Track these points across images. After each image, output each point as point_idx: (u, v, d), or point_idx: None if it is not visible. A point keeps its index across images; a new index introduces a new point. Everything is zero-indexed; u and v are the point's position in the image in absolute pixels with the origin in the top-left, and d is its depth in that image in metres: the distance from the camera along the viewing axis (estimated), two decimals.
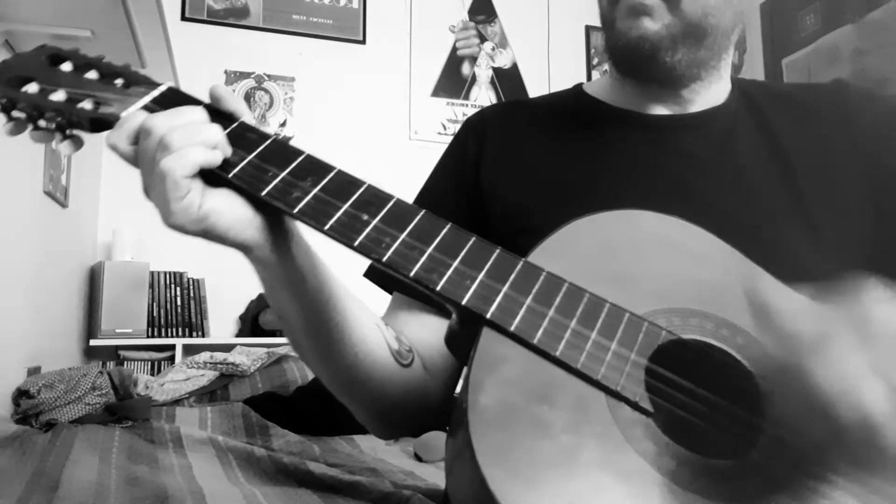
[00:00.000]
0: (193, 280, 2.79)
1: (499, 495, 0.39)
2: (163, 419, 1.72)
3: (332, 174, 0.52)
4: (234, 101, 0.54)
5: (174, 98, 0.54)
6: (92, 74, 0.57)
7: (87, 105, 0.54)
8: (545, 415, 0.43)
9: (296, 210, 0.49)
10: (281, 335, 2.32)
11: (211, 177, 0.50)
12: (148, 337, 2.63)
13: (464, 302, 0.48)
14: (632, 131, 0.70)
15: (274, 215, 0.52)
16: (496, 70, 3.51)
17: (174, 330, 2.71)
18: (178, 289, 2.75)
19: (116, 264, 2.60)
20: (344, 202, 0.50)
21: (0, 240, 1.75)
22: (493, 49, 3.52)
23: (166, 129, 0.48)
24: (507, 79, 3.49)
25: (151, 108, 0.53)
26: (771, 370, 0.45)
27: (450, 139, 0.80)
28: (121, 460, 1.29)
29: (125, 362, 2.61)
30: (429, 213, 0.51)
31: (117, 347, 2.64)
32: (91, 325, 2.65)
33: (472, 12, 3.52)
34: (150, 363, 2.65)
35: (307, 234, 0.55)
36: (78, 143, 0.57)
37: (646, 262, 0.53)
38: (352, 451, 1.60)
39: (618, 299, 0.50)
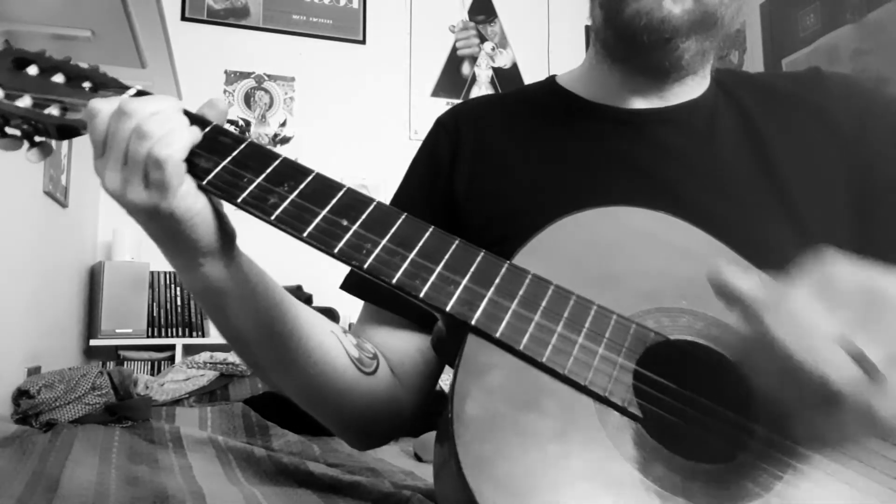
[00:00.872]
0: None
1: None
2: (163, 419, 1.72)
3: (309, 178, 0.50)
4: (221, 116, 0.53)
5: None
6: (58, 78, 0.55)
7: (53, 111, 0.52)
8: (532, 423, 0.43)
9: (273, 217, 0.48)
10: None
11: None
12: (148, 337, 2.63)
13: (448, 309, 0.47)
14: (610, 126, 0.68)
15: (228, 226, 0.52)
16: (496, 70, 3.51)
17: (174, 330, 2.71)
18: (178, 289, 2.75)
19: (116, 264, 2.60)
20: (322, 207, 0.49)
21: (0, 240, 1.75)
22: (493, 49, 3.52)
23: (149, 111, 0.47)
24: (507, 79, 3.49)
25: None
26: (742, 349, 0.44)
27: None
28: (121, 460, 1.29)
29: (125, 362, 2.61)
30: (410, 216, 0.50)
31: (117, 347, 2.65)
32: (91, 325, 2.64)
33: (472, 12, 3.52)
34: (150, 363, 2.65)
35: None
36: (47, 151, 0.55)
37: (633, 260, 0.52)
38: (352, 451, 1.60)
39: (605, 300, 0.49)
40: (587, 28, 3.60)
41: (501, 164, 0.70)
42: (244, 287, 0.54)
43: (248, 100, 3.13)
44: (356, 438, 0.70)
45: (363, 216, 0.49)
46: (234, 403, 1.88)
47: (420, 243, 0.49)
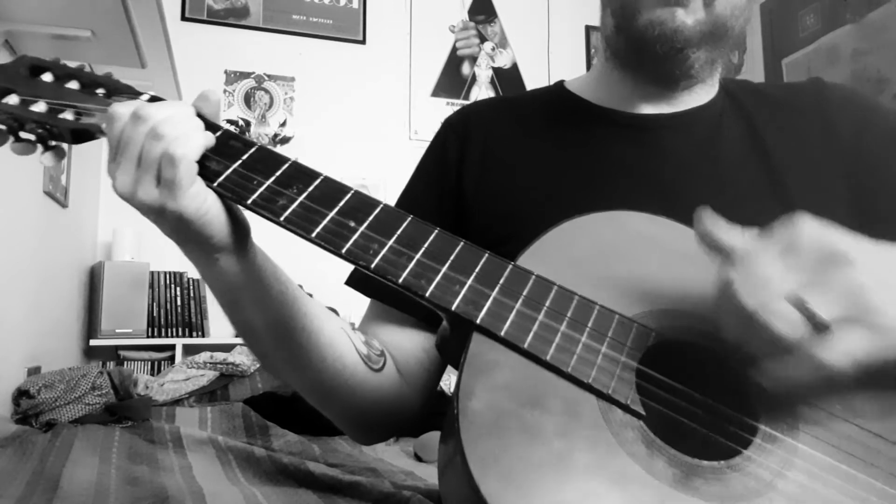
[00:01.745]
0: (193, 280, 2.79)
1: (492, 503, 0.39)
2: (163, 419, 1.72)
3: (318, 181, 0.51)
4: (216, 107, 0.54)
5: None
6: (73, 85, 0.56)
7: (68, 116, 0.54)
8: (537, 420, 0.43)
9: (282, 218, 0.49)
10: None
11: None
12: (148, 337, 2.63)
13: (453, 308, 0.47)
14: (616, 131, 0.69)
15: (243, 222, 0.53)
16: (496, 70, 3.51)
17: (174, 330, 2.71)
18: (178, 289, 2.75)
19: (116, 264, 2.60)
20: (330, 209, 0.50)
21: (0, 240, 1.75)
22: (493, 49, 3.52)
23: (163, 116, 0.49)
24: (507, 79, 3.49)
25: None
26: (713, 301, 0.46)
27: None
28: (121, 460, 1.29)
29: (125, 362, 2.61)
30: (416, 218, 0.51)
31: (117, 347, 2.65)
32: (91, 325, 2.65)
33: (472, 12, 3.52)
34: (150, 363, 2.65)
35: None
36: (60, 155, 0.57)
37: (635, 264, 0.53)
38: (352, 452, 1.60)
39: (607, 301, 0.49)
40: (587, 28, 3.60)
41: (509, 165, 0.71)
42: (259, 282, 0.55)
43: (248, 100, 3.13)
44: (360, 432, 0.71)
45: (370, 218, 0.50)
46: (234, 403, 1.88)
47: (426, 244, 0.50)
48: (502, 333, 0.47)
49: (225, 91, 3.11)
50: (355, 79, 3.26)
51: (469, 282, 0.49)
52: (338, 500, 1.13)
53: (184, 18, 3.08)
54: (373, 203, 0.51)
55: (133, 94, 0.56)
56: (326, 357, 0.60)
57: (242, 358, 2.20)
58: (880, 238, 0.62)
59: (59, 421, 1.58)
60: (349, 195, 0.51)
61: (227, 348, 2.35)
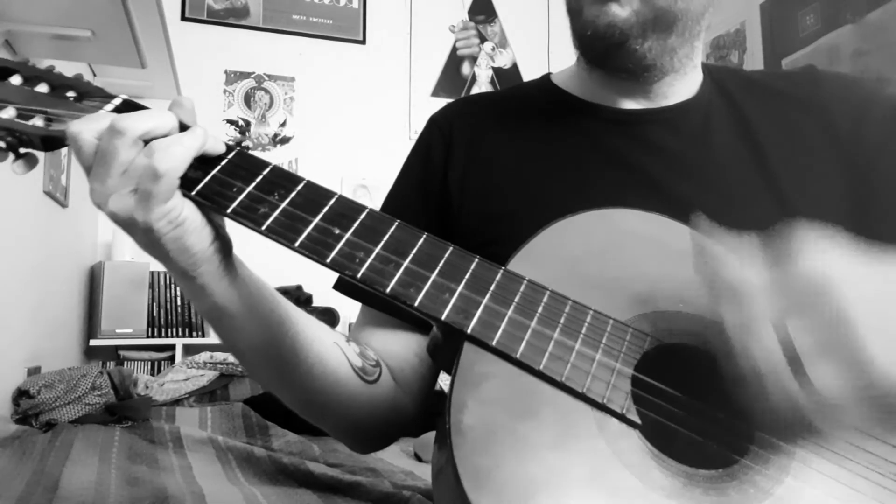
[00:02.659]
0: None
1: None
2: (163, 419, 1.72)
3: (300, 186, 0.49)
4: (192, 114, 0.51)
5: (129, 111, 0.50)
6: (42, 88, 0.53)
7: (38, 122, 0.51)
8: (530, 432, 0.42)
9: (263, 227, 0.47)
10: None
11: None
12: (148, 337, 2.63)
13: (443, 317, 0.46)
14: (603, 126, 0.68)
15: (224, 235, 0.50)
16: (496, 70, 3.51)
17: (174, 330, 2.71)
18: (178, 289, 2.75)
19: (116, 264, 2.60)
20: (314, 216, 0.48)
21: (0, 240, 1.75)
22: (493, 49, 3.52)
23: (143, 129, 0.46)
24: (507, 79, 3.49)
25: None
26: (709, 327, 0.45)
27: None
28: (121, 460, 1.29)
29: (125, 362, 2.61)
30: (403, 223, 0.49)
31: (117, 347, 2.65)
32: (91, 325, 2.64)
33: (472, 12, 3.53)
34: (150, 363, 2.65)
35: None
36: (32, 163, 0.53)
37: (628, 263, 0.52)
38: (352, 452, 1.60)
39: (601, 304, 0.48)
40: None
41: (494, 163, 0.69)
42: (243, 302, 0.52)
43: (248, 100, 3.13)
44: (357, 443, 0.70)
45: (355, 224, 0.48)
46: (234, 403, 1.88)
47: (414, 250, 0.48)
48: (494, 343, 0.45)
49: (225, 91, 3.11)
50: (355, 79, 3.26)
51: (459, 289, 0.47)
52: (338, 500, 1.13)
53: (184, 18, 3.08)
54: (358, 208, 0.49)
55: (104, 96, 0.53)
56: (319, 374, 0.59)
57: None
58: (878, 234, 0.62)
59: (59, 421, 1.58)
60: (333, 200, 0.49)
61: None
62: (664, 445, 0.44)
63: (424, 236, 0.49)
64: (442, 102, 0.83)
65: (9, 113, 0.51)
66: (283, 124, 3.15)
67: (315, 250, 0.47)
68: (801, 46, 2.97)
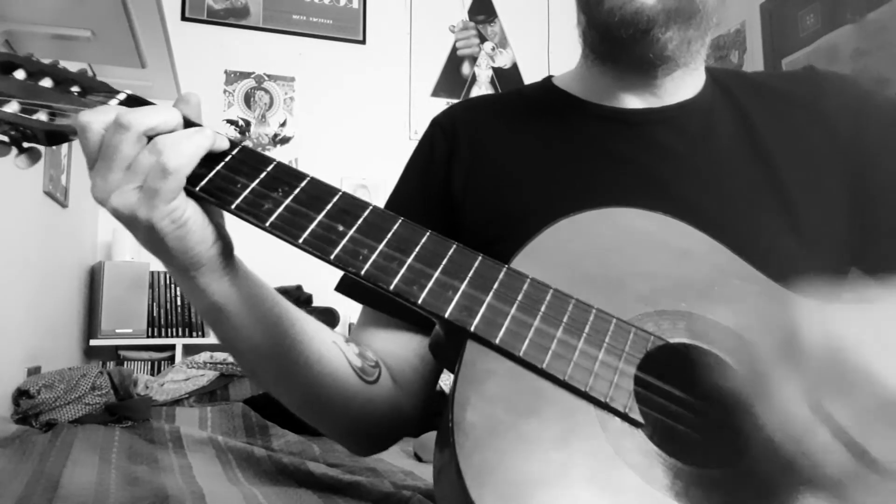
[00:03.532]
0: None
1: None
2: (163, 419, 1.72)
3: (304, 183, 0.49)
4: (198, 110, 0.51)
5: (134, 106, 0.50)
6: (46, 82, 0.53)
7: (41, 116, 0.51)
8: (533, 430, 0.42)
9: (267, 223, 0.47)
10: None
11: None
12: (148, 337, 2.63)
13: (446, 315, 0.46)
14: (605, 126, 0.68)
15: (225, 235, 0.50)
16: (496, 70, 3.51)
17: (174, 330, 2.71)
18: (178, 289, 2.75)
19: (116, 264, 2.60)
20: (318, 213, 0.48)
21: (0, 240, 1.75)
22: (493, 49, 3.52)
23: (148, 125, 0.46)
24: (507, 79, 3.49)
25: None
26: (749, 379, 0.44)
27: None
28: (121, 460, 1.29)
29: (125, 362, 2.61)
30: (407, 220, 0.49)
31: (117, 347, 2.65)
32: (91, 325, 2.64)
33: (472, 12, 3.53)
34: (150, 363, 2.65)
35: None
36: (35, 157, 0.53)
37: (631, 262, 0.52)
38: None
39: (604, 303, 0.48)
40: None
41: (498, 163, 0.69)
42: (242, 303, 0.52)
43: (248, 100, 3.13)
44: (356, 444, 0.69)
45: (359, 221, 0.48)
46: (234, 403, 1.88)
47: (417, 248, 0.48)
48: (497, 341, 0.45)
49: (225, 91, 3.11)
50: (355, 79, 3.26)
51: (463, 287, 0.47)
52: (338, 500, 1.13)
53: (184, 18, 3.08)
54: (362, 205, 0.49)
55: (109, 91, 0.53)
56: (317, 374, 0.59)
57: None
58: (879, 226, 0.61)
59: (59, 421, 1.58)
60: (337, 197, 0.49)
61: None
62: (668, 444, 0.44)
63: (428, 234, 0.49)
64: (442, 102, 0.84)
65: (13, 107, 0.51)
66: (283, 124, 3.15)
67: (319, 247, 0.47)
68: (801, 46, 2.97)
